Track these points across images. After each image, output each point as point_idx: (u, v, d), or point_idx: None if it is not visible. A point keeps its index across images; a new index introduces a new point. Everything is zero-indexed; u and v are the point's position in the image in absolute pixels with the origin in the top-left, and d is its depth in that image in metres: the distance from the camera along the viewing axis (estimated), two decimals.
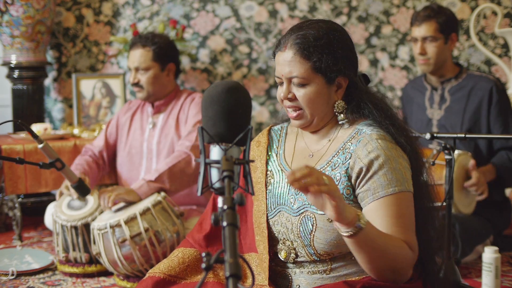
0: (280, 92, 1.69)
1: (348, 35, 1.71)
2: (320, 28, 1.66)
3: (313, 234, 1.64)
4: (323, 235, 1.62)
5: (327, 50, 1.64)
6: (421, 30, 3.09)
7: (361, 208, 1.62)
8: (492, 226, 3.07)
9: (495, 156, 3.10)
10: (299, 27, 1.68)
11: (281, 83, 1.69)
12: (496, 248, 2.47)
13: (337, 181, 1.64)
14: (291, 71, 1.65)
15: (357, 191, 1.62)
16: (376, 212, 1.57)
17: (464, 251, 2.85)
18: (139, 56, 3.09)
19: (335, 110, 1.70)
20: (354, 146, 1.64)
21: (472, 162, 2.92)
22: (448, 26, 3.09)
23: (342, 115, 1.70)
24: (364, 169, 1.60)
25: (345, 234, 1.47)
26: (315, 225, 1.63)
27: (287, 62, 1.66)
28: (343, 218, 1.44)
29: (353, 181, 1.63)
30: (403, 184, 1.58)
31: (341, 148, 1.67)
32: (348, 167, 1.63)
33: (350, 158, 1.63)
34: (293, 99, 1.68)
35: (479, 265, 2.77)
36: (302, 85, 1.65)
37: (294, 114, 1.69)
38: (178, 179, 2.91)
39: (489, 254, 2.45)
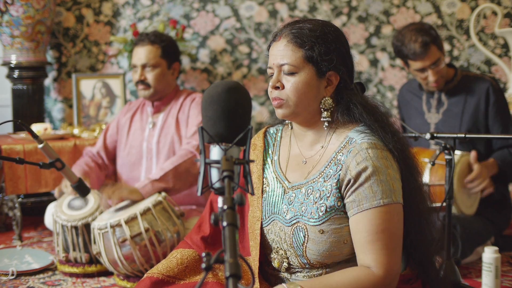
0: (270, 82, 1.69)
1: (343, 34, 1.71)
2: (316, 23, 1.67)
3: (306, 245, 1.63)
4: (316, 247, 1.62)
5: (320, 40, 1.64)
6: (426, 62, 2.98)
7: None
8: (493, 226, 3.07)
9: (496, 152, 3.09)
10: (296, 22, 1.70)
11: (272, 75, 1.69)
12: (496, 248, 2.47)
13: (328, 193, 1.63)
14: (282, 58, 1.65)
15: (345, 201, 1.62)
16: (357, 224, 1.58)
17: (464, 252, 2.84)
18: (148, 52, 3.06)
19: (321, 106, 1.67)
20: (345, 156, 1.62)
21: (473, 154, 2.91)
22: (439, 40, 3.03)
23: (327, 113, 1.67)
24: (352, 181, 1.59)
25: None
26: (307, 236, 1.63)
27: (279, 51, 1.66)
28: None
29: (342, 191, 1.62)
30: (390, 196, 1.57)
31: (333, 159, 1.65)
32: (339, 179, 1.62)
33: (341, 169, 1.62)
34: (281, 89, 1.66)
35: (479, 265, 2.77)
36: (291, 73, 1.64)
37: (276, 102, 1.68)
38: (183, 178, 2.90)
39: (489, 254, 2.45)
